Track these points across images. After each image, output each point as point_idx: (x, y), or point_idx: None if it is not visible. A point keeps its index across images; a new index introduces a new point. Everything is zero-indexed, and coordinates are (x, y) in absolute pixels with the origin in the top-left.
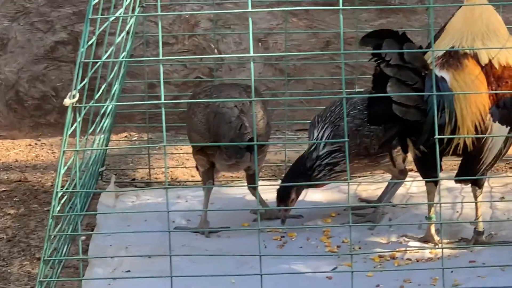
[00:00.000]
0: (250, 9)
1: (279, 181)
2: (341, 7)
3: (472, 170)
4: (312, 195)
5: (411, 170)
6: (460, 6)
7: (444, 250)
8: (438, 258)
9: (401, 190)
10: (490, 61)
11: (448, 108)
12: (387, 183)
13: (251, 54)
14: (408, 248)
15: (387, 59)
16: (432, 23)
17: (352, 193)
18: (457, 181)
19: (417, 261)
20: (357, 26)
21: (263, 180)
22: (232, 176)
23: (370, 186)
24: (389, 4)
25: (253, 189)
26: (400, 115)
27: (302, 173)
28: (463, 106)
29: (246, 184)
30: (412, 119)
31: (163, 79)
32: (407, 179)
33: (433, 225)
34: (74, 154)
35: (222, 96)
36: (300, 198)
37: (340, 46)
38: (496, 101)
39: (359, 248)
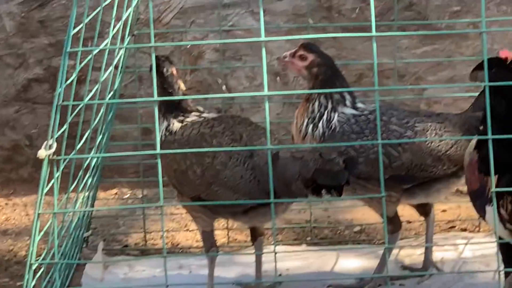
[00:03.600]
0: (263, 37)
1: (304, 246)
2: (374, 33)
3: None
4: (343, 263)
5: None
6: None
7: None
8: None
9: (452, 255)
10: None
11: None
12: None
13: (266, 91)
14: None
15: None
16: (486, 50)
17: (392, 259)
18: None
19: None
20: (395, 55)
21: (283, 244)
22: (246, 241)
23: (415, 250)
24: (434, 28)
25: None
26: None
27: None
28: None
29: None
30: None
31: None
32: (460, 241)
33: None
34: (52, 216)
35: (256, 141)
36: (329, 266)
37: (375, 80)
38: None
39: None
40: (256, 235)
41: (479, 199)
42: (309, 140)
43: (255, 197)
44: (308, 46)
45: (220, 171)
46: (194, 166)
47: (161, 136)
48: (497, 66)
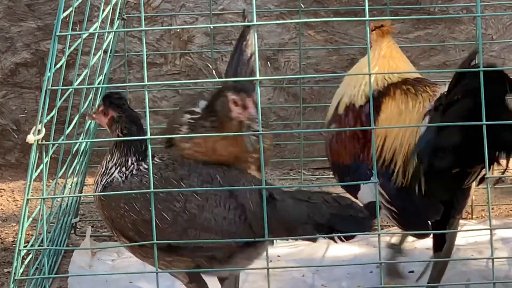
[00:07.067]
0: (255, 21)
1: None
2: (367, 17)
3: None
4: (334, 250)
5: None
6: None
7: None
8: None
9: None
10: None
11: None
12: None
13: (258, 76)
14: None
15: None
16: (480, 34)
17: (384, 246)
18: None
19: None
20: None
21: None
22: None
23: (407, 237)
24: (427, 12)
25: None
26: None
27: None
28: None
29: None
30: None
31: (150, 108)
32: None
33: None
34: (41, 202)
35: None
36: (320, 254)
37: (368, 64)
38: None
39: None
40: (222, 278)
41: (349, 176)
42: None
43: (235, 237)
44: None
45: (197, 215)
46: (163, 213)
47: (111, 179)
48: None
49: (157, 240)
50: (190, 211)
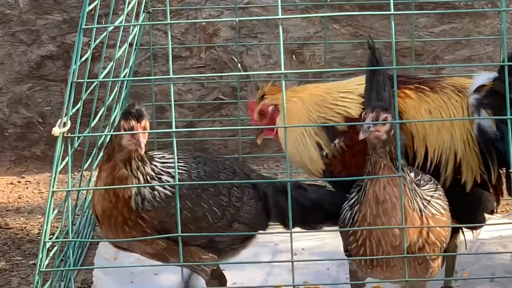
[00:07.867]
0: (280, 15)
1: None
2: (392, 11)
3: None
4: None
5: None
6: None
7: None
8: None
9: (469, 236)
10: None
11: None
12: None
13: (283, 70)
14: None
15: None
16: (505, 29)
17: None
18: None
19: None
20: (413, 34)
21: None
22: None
23: None
24: (452, 7)
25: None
26: None
27: None
28: None
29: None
30: None
31: (175, 101)
32: None
33: None
34: (66, 194)
35: (251, 173)
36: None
37: (392, 58)
38: None
39: None
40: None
41: None
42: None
43: (260, 227)
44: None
45: (240, 207)
46: (214, 208)
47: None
48: None
49: (197, 238)
50: (234, 205)
